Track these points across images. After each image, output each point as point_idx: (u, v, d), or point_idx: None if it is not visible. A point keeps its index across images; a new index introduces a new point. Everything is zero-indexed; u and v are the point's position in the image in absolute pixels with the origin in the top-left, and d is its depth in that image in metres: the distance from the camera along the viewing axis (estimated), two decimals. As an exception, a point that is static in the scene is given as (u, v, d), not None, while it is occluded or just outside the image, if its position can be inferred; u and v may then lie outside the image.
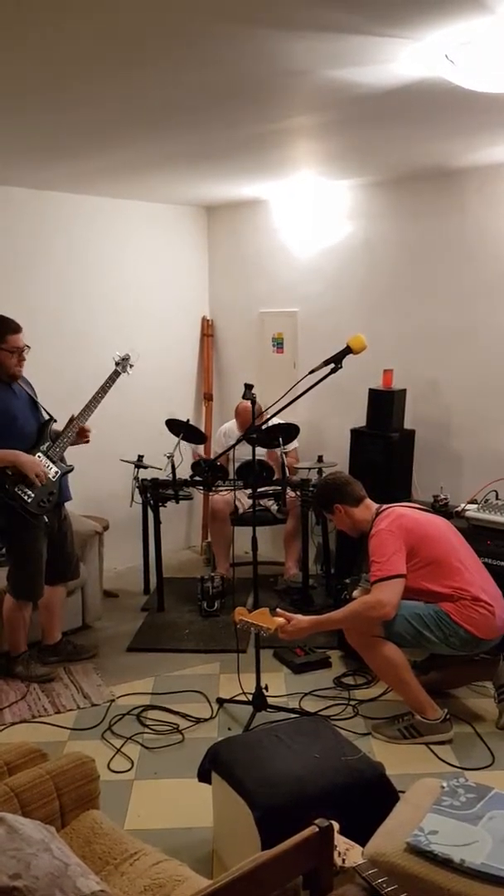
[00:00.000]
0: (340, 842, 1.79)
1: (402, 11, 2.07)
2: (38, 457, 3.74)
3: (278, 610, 3.19)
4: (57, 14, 2.04)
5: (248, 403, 3.60)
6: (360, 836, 2.00)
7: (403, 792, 2.34)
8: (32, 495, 3.66)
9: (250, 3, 2.00)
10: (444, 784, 2.19)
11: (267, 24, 2.15)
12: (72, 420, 3.90)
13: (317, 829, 1.65)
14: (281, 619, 3.12)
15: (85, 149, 3.73)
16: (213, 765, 2.57)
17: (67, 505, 4.07)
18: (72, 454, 3.93)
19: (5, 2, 1.95)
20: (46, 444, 3.80)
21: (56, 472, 3.79)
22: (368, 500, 3.57)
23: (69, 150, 3.75)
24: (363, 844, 1.97)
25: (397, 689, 3.37)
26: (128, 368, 4.20)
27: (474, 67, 2.41)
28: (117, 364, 4.18)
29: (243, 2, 1.99)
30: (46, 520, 3.78)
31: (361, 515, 3.51)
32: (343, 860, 1.76)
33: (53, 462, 3.79)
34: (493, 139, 3.64)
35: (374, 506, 3.55)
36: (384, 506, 3.53)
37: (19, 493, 3.62)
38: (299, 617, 3.16)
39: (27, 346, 3.74)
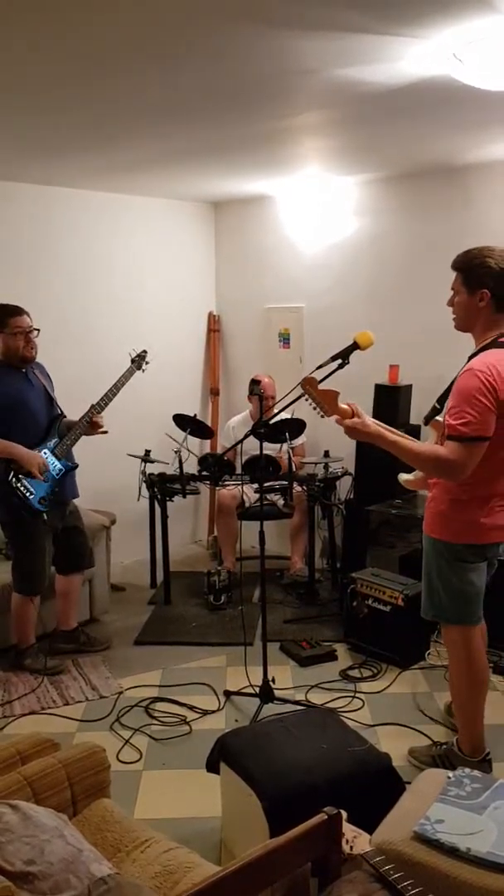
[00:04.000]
0: (348, 830, 1.83)
1: (410, 11, 2.09)
2: (44, 453, 3.75)
3: (349, 402, 2.81)
4: (69, 12, 2.07)
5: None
6: (367, 825, 2.04)
7: (409, 783, 2.37)
8: (34, 492, 3.68)
9: (262, 3, 2.02)
10: (450, 775, 2.22)
11: (278, 24, 2.18)
12: (91, 408, 3.89)
13: (325, 817, 1.68)
14: (346, 409, 2.80)
15: (93, 145, 3.75)
16: (222, 755, 2.60)
17: (77, 501, 4.08)
18: (79, 449, 3.94)
19: (12, 4, 1.98)
20: (54, 441, 3.82)
21: (60, 470, 3.79)
22: None
23: (77, 146, 3.77)
24: (370, 833, 2.01)
25: (460, 704, 3.06)
26: (143, 366, 4.19)
27: (482, 66, 2.44)
28: (133, 360, 4.17)
29: (255, 2, 2.01)
30: (46, 517, 3.76)
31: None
32: (351, 847, 1.79)
33: (58, 459, 3.80)
34: (499, 136, 3.66)
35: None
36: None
37: (22, 487, 3.64)
38: (369, 420, 2.80)
39: (35, 329, 3.73)
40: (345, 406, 2.80)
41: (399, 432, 2.88)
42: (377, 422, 2.85)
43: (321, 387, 2.82)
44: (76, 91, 2.83)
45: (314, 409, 2.87)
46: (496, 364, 2.62)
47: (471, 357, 2.76)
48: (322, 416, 2.84)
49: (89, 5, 2.02)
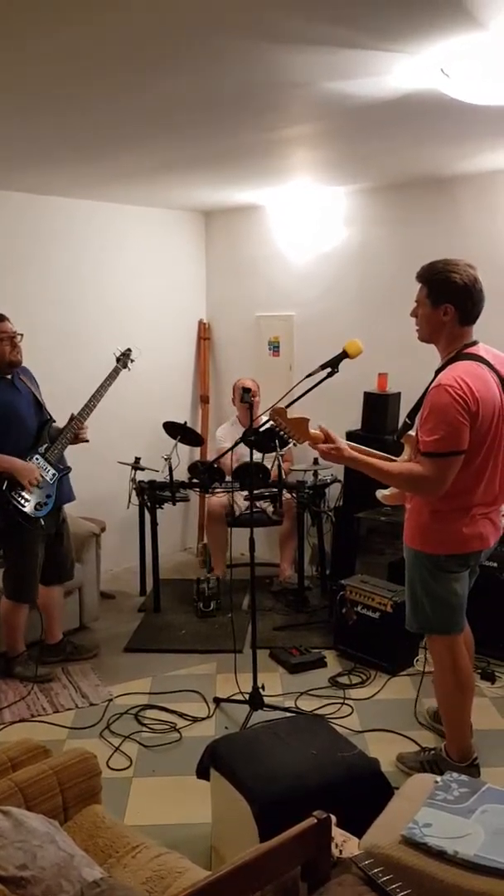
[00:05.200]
0: (337, 834, 1.85)
1: (399, 27, 2.13)
2: (36, 459, 3.76)
3: (320, 426, 2.85)
4: (59, 23, 2.09)
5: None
6: (357, 829, 2.05)
7: (398, 788, 2.39)
8: (29, 500, 3.69)
9: (252, 17, 2.06)
10: (438, 779, 2.24)
11: (269, 38, 2.21)
12: (72, 419, 3.89)
13: (315, 821, 1.70)
14: (318, 434, 2.84)
15: (85, 155, 3.77)
16: (212, 761, 2.61)
17: (67, 506, 4.09)
18: (70, 456, 3.96)
19: (6, 11, 2.00)
20: (45, 446, 3.82)
21: (53, 475, 3.81)
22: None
23: (69, 155, 3.80)
24: (359, 837, 2.03)
25: (446, 710, 3.10)
26: (129, 364, 4.20)
27: (468, 80, 2.48)
28: (118, 359, 4.18)
29: (245, 16, 2.05)
30: (43, 524, 3.77)
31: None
32: (340, 851, 1.81)
33: (51, 464, 3.81)
34: (486, 148, 3.71)
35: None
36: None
37: (16, 498, 3.65)
38: (343, 444, 2.83)
39: (19, 333, 3.73)
40: (316, 431, 2.85)
41: (372, 450, 2.94)
42: (349, 443, 2.90)
43: (299, 410, 2.86)
44: (68, 101, 2.86)
45: (287, 438, 2.94)
46: (464, 376, 2.66)
47: (437, 371, 2.79)
48: (294, 445, 2.88)
49: (81, 17, 2.04)
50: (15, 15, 2.03)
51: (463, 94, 2.59)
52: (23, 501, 3.66)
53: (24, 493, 3.66)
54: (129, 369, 4.21)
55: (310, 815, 1.73)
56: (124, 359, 4.20)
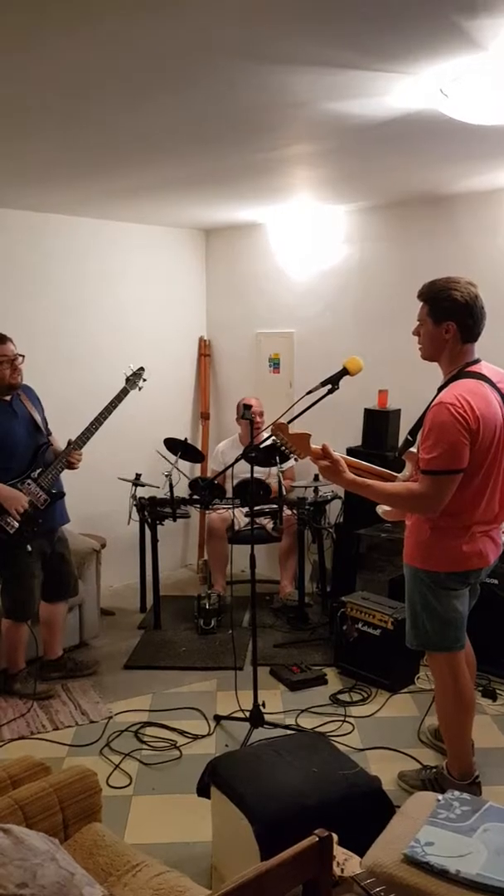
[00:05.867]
0: (339, 852, 1.83)
1: (398, 48, 2.16)
2: (28, 483, 3.73)
3: (324, 444, 2.83)
4: (63, 44, 2.12)
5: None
6: (358, 848, 2.04)
7: (399, 806, 2.37)
8: (15, 526, 3.66)
9: (255, 39, 2.09)
10: (440, 797, 2.23)
11: (270, 59, 2.24)
12: (69, 445, 3.85)
13: (317, 840, 1.69)
14: (318, 449, 2.82)
15: (86, 173, 3.81)
16: (213, 779, 2.60)
17: (67, 523, 4.08)
18: (70, 472, 3.95)
19: (7, 31, 2.03)
20: (38, 471, 3.78)
21: (45, 500, 3.77)
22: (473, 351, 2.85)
23: (70, 174, 3.83)
24: (361, 856, 2.01)
25: (447, 728, 3.07)
26: (139, 383, 4.16)
27: (467, 100, 2.51)
28: (128, 379, 4.14)
29: (247, 38, 2.08)
30: (30, 549, 3.74)
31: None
32: (342, 870, 1.80)
33: (43, 489, 3.77)
34: (485, 167, 3.74)
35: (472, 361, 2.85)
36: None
37: (2, 521, 3.64)
38: (343, 463, 2.81)
39: (20, 356, 3.72)
40: (317, 447, 2.85)
41: (372, 466, 2.94)
42: (349, 458, 2.90)
43: (299, 426, 2.87)
44: (70, 121, 2.89)
45: (288, 452, 2.95)
46: (465, 395, 2.67)
47: (440, 389, 2.80)
48: (296, 460, 2.89)
49: (84, 37, 2.07)
50: (16, 37, 2.06)
51: (462, 115, 2.63)
52: (8, 529, 3.64)
53: (9, 521, 3.64)
54: (140, 389, 4.18)
55: (311, 833, 1.73)
56: (135, 378, 4.16)
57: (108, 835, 2.15)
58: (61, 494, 3.89)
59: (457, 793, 2.26)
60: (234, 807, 2.42)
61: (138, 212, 5.04)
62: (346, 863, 1.83)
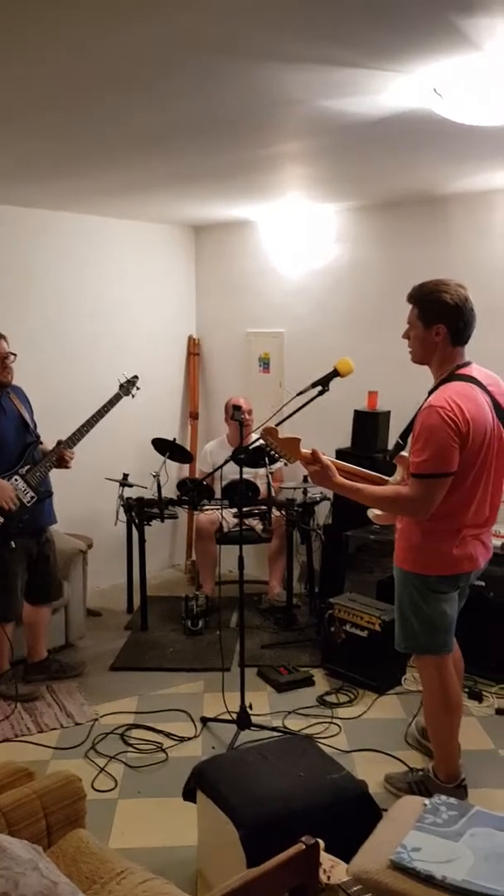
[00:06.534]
0: (325, 859, 1.82)
1: (393, 47, 2.14)
2: (15, 480, 3.70)
3: (313, 449, 2.82)
4: (55, 40, 2.09)
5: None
6: (345, 853, 2.03)
7: (386, 810, 2.36)
8: (1, 520, 3.64)
9: (247, 36, 2.06)
10: (427, 802, 2.22)
11: (263, 56, 2.21)
12: (59, 444, 3.83)
13: (303, 847, 1.67)
14: (308, 454, 2.82)
15: (75, 170, 3.77)
16: (199, 783, 2.58)
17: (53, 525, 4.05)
18: (57, 472, 3.91)
19: (3, 26, 2.00)
20: (27, 468, 3.76)
21: (32, 497, 3.74)
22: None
23: (61, 171, 3.79)
24: (347, 861, 2.00)
25: (434, 731, 3.06)
26: (132, 391, 4.15)
27: (461, 101, 2.49)
28: (122, 386, 4.13)
29: (241, 35, 2.05)
30: (13, 545, 3.71)
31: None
32: (328, 877, 1.79)
33: (30, 486, 3.74)
34: (478, 168, 3.73)
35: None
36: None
37: None
38: (332, 467, 2.81)
39: (12, 354, 3.70)
40: (307, 451, 2.84)
41: (362, 469, 2.93)
42: (339, 462, 2.90)
43: (289, 428, 2.86)
44: (62, 117, 2.85)
45: (278, 457, 2.94)
46: (455, 398, 2.66)
47: (430, 392, 2.79)
48: (286, 464, 2.88)
49: (78, 35, 2.05)
50: (12, 31, 2.03)
51: (456, 115, 2.60)
52: None
53: None
54: (133, 397, 4.17)
55: (297, 839, 1.71)
56: (128, 386, 4.15)
57: (93, 841, 2.12)
58: (49, 493, 3.86)
59: (444, 797, 2.24)
60: (220, 811, 2.40)
61: (126, 207, 5.00)
62: (333, 869, 1.82)
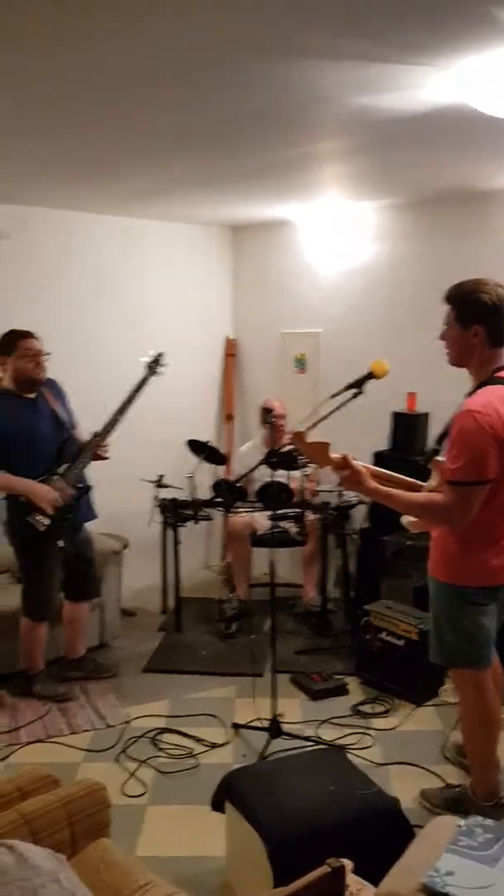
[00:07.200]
0: (353, 881, 1.76)
1: (429, 41, 2.07)
2: (55, 479, 3.71)
3: (345, 454, 2.70)
4: (91, 39, 2.07)
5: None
6: (374, 871, 1.96)
7: (420, 826, 2.29)
8: (47, 523, 3.65)
9: (280, 34, 2.01)
10: (462, 823, 2.14)
11: (296, 54, 2.17)
12: (94, 436, 3.83)
13: (328, 870, 1.61)
14: (338, 459, 2.70)
15: (113, 172, 3.76)
16: (227, 794, 2.54)
17: (89, 524, 4.05)
18: (92, 472, 3.91)
19: (38, 29, 1.98)
20: (65, 466, 3.76)
21: (72, 495, 3.75)
22: None
23: (98, 173, 3.79)
24: (377, 881, 1.93)
25: (472, 747, 2.97)
26: (158, 370, 4.05)
27: (499, 94, 2.40)
28: (148, 366, 4.04)
29: (275, 33, 2.01)
30: (62, 544, 3.75)
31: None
32: (356, 901, 1.72)
33: (70, 484, 3.75)
34: (519, 164, 3.63)
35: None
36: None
37: (31, 522, 3.63)
38: (363, 472, 2.71)
39: (45, 353, 3.71)
40: (337, 456, 2.73)
41: (396, 475, 2.84)
42: (372, 467, 2.80)
43: (324, 430, 2.79)
44: (99, 119, 2.84)
45: (307, 463, 2.84)
46: (494, 402, 2.55)
47: (468, 396, 2.70)
48: (316, 470, 2.80)
49: (111, 35, 2.02)
50: (47, 34, 2.01)
51: (493, 109, 2.52)
52: (40, 527, 3.64)
53: (40, 519, 3.63)
54: (161, 374, 4.07)
55: (325, 858, 1.65)
56: (154, 365, 4.06)
57: (117, 852, 2.09)
58: (88, 488, 3.87)
59: (479, 818, 2.16)
60: (248, 825, 2.35)
61: (165, 209, 4.98)
62: (360, 893, 1.76)
